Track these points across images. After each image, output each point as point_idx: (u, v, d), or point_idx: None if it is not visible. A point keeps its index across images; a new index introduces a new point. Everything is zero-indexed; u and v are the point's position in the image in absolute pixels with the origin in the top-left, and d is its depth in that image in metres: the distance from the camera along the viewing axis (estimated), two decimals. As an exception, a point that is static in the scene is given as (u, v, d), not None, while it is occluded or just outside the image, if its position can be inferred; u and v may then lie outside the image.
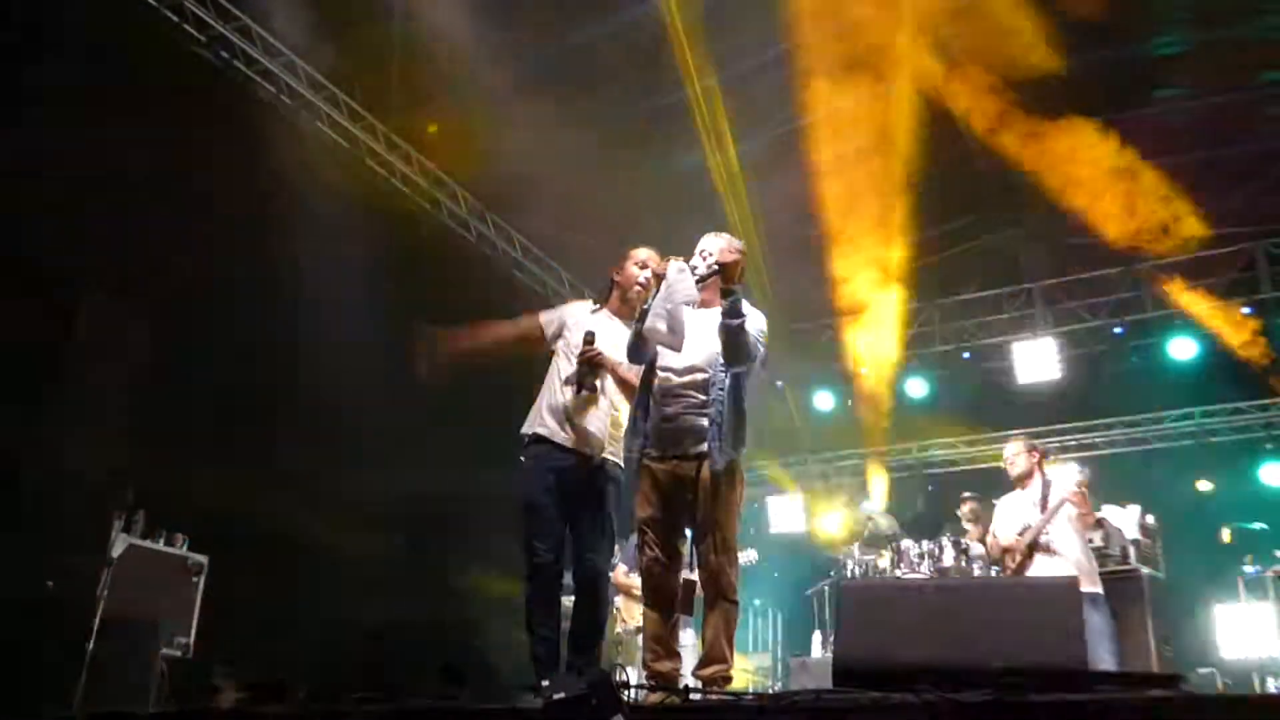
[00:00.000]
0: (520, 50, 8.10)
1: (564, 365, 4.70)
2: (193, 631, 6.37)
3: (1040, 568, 6.30)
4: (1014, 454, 6.73)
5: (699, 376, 4.38)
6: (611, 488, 4.61)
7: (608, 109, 8.73)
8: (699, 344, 4.37)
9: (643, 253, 4.84)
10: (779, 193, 9.35)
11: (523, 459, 4.63)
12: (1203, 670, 9.52)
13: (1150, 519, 6.89)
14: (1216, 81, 8.62)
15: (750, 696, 3.01)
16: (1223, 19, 7.96)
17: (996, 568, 7.06)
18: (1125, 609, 6.32)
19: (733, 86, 8.27)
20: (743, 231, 8.83)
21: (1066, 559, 6.25)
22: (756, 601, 12.36)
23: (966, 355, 11.42)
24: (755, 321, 4.38)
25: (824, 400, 12.09)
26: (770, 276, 9.29)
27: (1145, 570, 6.75)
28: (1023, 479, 6.63)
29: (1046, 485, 6.49)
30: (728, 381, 4.32)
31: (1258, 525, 10.24)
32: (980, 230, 10.87)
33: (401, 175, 9.38)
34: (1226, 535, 10.45)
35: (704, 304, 4.43)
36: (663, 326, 4.23)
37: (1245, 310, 10.04)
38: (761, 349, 4.41)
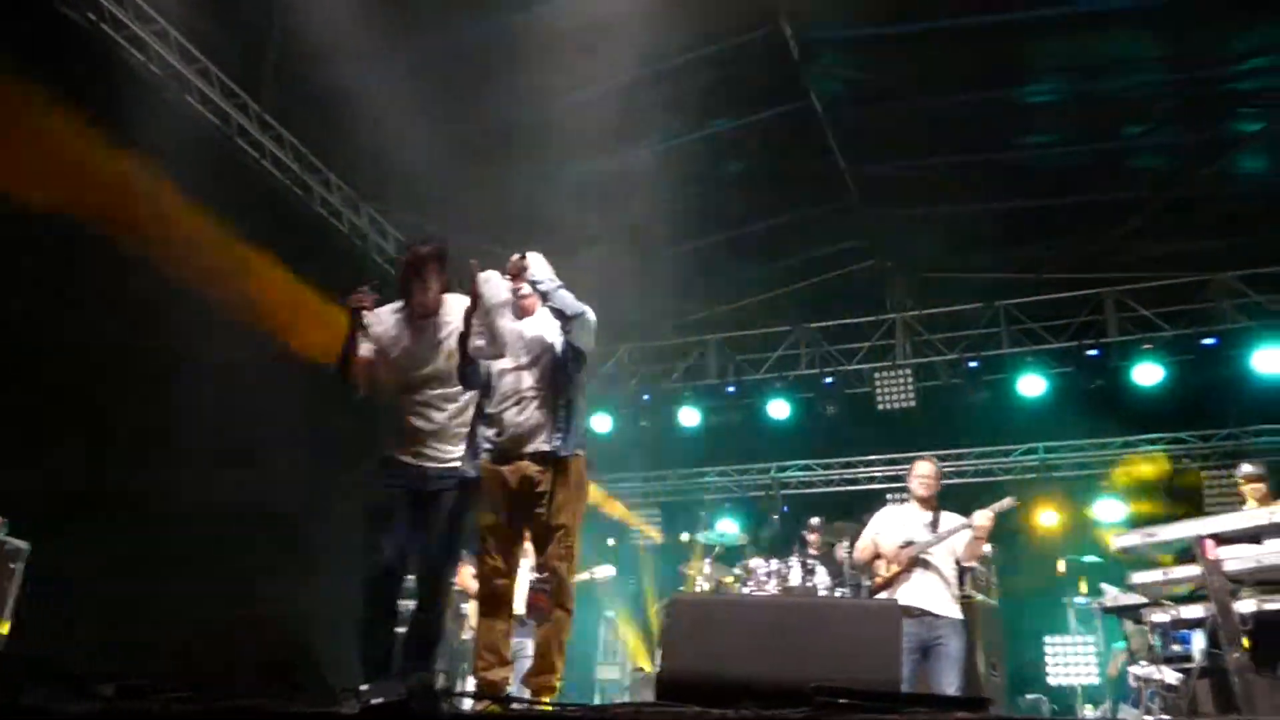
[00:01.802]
0: (406, 42, 7.94)
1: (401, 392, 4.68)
2: (6, 623, 6.03)
3: (915, 583, 6.35)
4: (931, 472, 6.72)
5: (532, 377, 4.41)
6: (459, 494, 4.55)
7: (492, 111, 8.64)
8: (528, 345, 4.41)
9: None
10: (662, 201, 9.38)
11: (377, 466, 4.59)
12: (1030, 696, 9.94)
13: (987, 548, 7.11)
14: (1082, 131, 9.01)
15: (572, 708, 2.98)
16: (1091, 73, 8.31)
17: (859, 578, 7.15)
18: (958, 634, 6.48)
19: (611, 98, 8.25)
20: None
21: (944, 576, 6.38)
22: (609, 614, 12.40)
23: (829, 380, 11.65)
24: (585, 307, 4.46)
25: (689, 416, 12.15)
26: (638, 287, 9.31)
27: (979, 597, 6.96)
28: (927, 500, 6.64)
29: (937, 513, 6.56)
30: (565, 378, 4.35)
31: (1091, 558, 10.73)
32: (850, 260, 11.15)
33: (273, 158, 9.11)
34: (1061, 567, 10.92)
35: (526, 311, 4.49)
36: (483, 343, 4.29)
37: (1092, 353, 10.49)
38: (593, 334, 4.50)
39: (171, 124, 7.92)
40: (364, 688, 3.30)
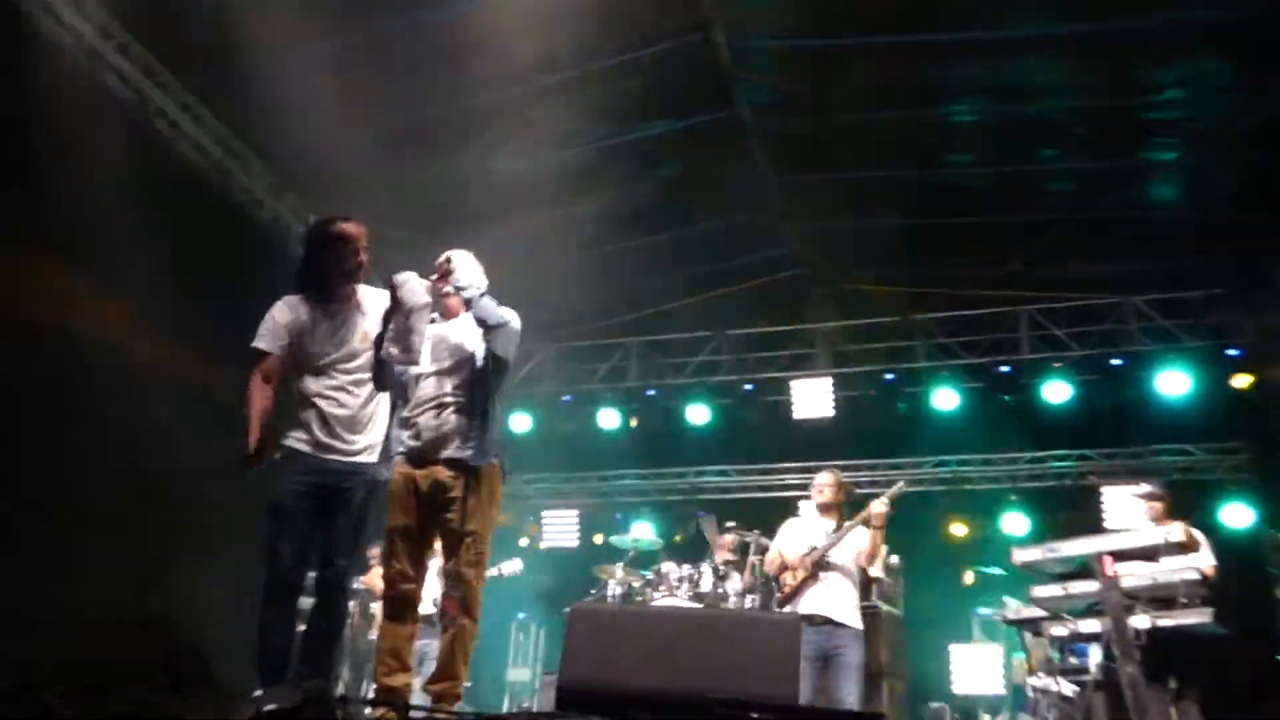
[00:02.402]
0: (336, 32, 7.80)
1: (317, 380, 4.54)
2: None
3: (819, 591, 6.38)
4: (830, 482, 6.77)
5: (451, 383, 4.37)
6: (365, 493, 4.45)
7: (420, 105, 8.54)
8: (450, 350, 4.37)
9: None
10: (588, 203, 9.36)
11: (278, 462, 4.42)
12: (934, 704, 10.12)
13: (895, 559, 7.23)
14: (1001, 152, 9.21)
15: (470, 715, 2.95)
16: (1011, 96, 8.49)
17: (771, 586, 7.21)
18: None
19: (541, 97, 8.22)
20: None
21: (847, 583, 6.42)
22: (521, 615, 12.34)
23: (749, 387, 11.74)
24: (507, 312, 4.41)
25: (609, 418, 12.13)
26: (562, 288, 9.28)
27: (884, 608, 7.06)
28: (828, 509, 6.69)
29: (841, 521, 6.58)
30: (483, 387, 4.31)
31: (997, 570, 10.97)
32: (773, 269, 11.25)
33: (193, 140, 8.88)
34: (969, 578, 11.15)
35: (450, 313, 4.45)
36: (396, 350, 4.22)
37: (1004, 369, 10.73)
38: (516, 342, 4.45)
39: (85, 99, 7.68)
40: (258, 693, 3.23)
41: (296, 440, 4.44)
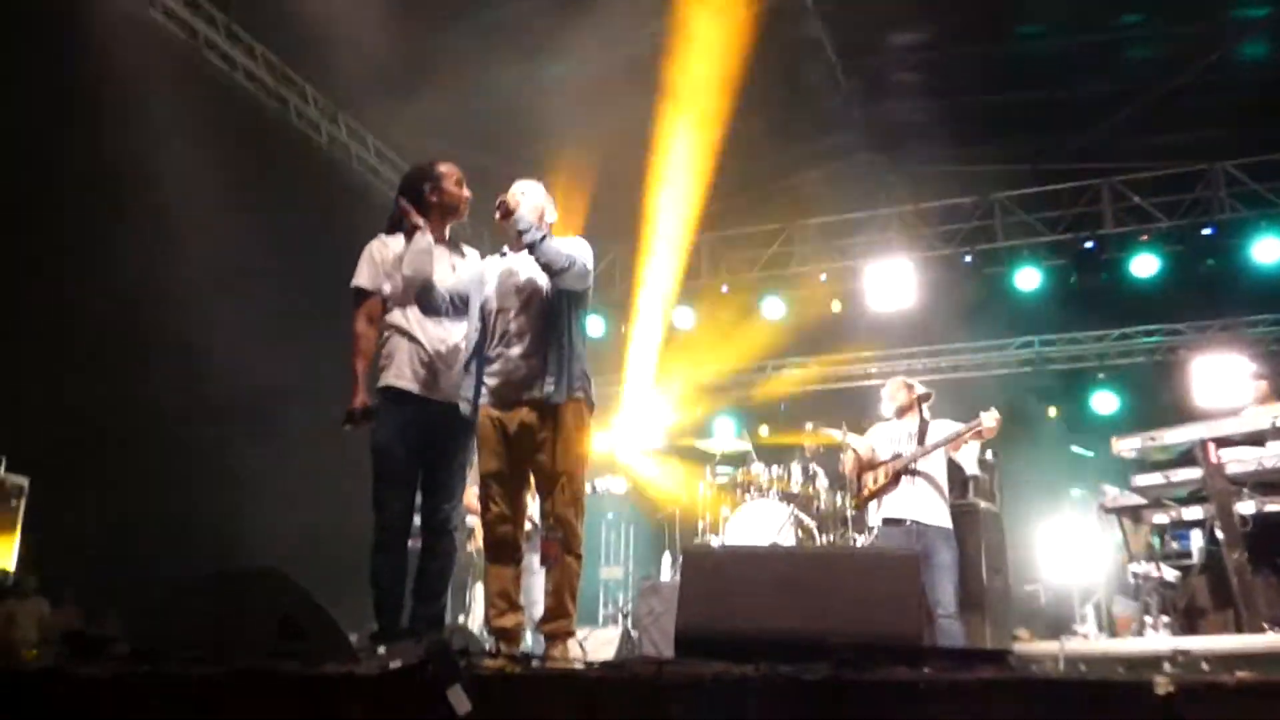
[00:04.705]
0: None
1: (415, 313, 4.48)
2: (13, 561, 6.03)
3: (904, 493, 6.41)
4: (894, 389, 6.77)
5: (526, 319, 4.28)
6: (466, 434, 4.42)
7: (470, 12, 8.32)
8: (520, 286, 4.29)
9: (454, 169, 4.66)
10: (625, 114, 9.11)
11: (379, 406, 4.41)
12: (1029, 587, 10.12)
13: (990, 455, 7.13)
14: (1077, 21, 8.75)
15: (595, 666, 2.97)
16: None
17: (846, 491, 7.21)
18: (961, 542, 6.54)
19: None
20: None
21: (931, 489, 6.40)
22: (610, 515, 12.51)
23: (823, 277, 11.52)
24: (575, 248, 4.32)
25: (683, 318, 12.02)
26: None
27: (982, 504, 7.00)
28: (902, 411, 6.68)
29: (924, 423, 6.57)
30: (558, 321, 4.24)
31: (1087, 452, 10.81)
32: (844, 155, 10.91)
33: (245, 71, 8.79)
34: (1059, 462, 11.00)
35: (516, 247, 4.35)
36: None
37: (1088, 245, 10.36)
38: (588, 277, 4.37)
39: (137, 40, 7.61)
40: (381, 649, 3.28)
41: (397, 378, 4.41)
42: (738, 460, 8.83)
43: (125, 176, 7.03)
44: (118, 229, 7.13)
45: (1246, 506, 5.64)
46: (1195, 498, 6.03)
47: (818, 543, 7.43)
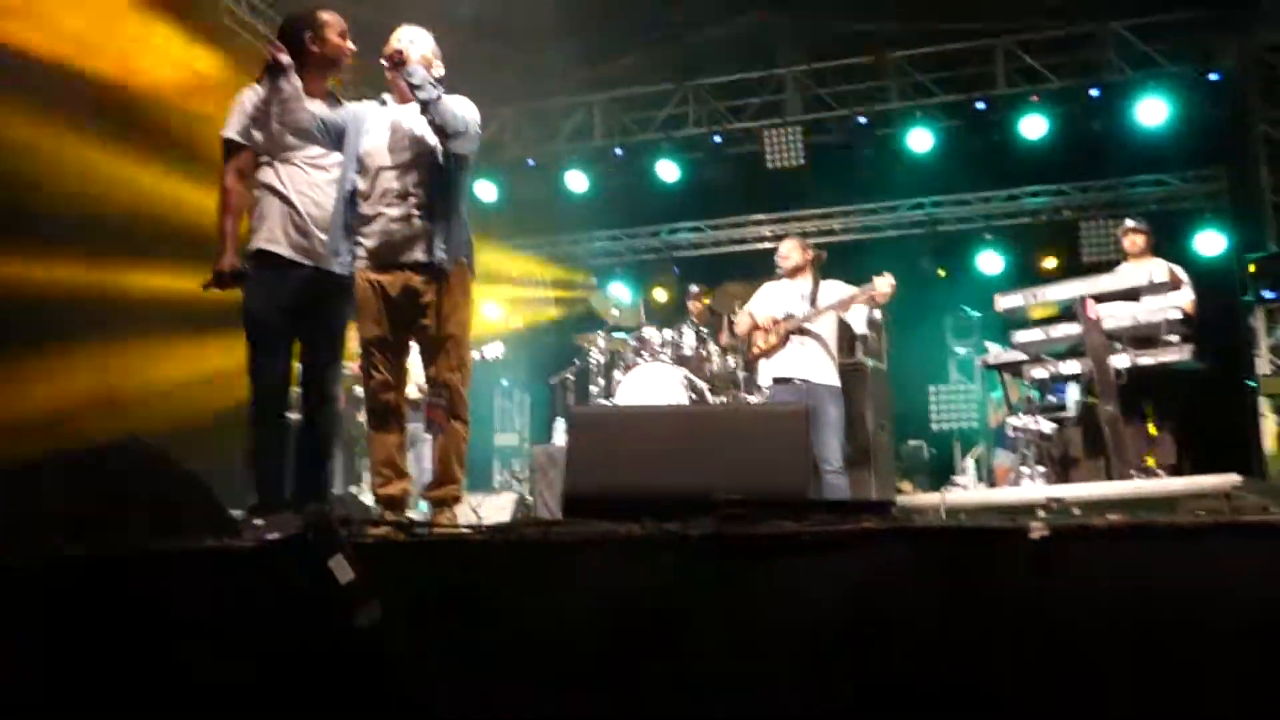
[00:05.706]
0: None
1: (288, 171, 4.22)
2: None
3: (793, 353, 6.53)
4: (788, 250, 6.85)
5: (413, 179, 4.09)
6: (343, 299, 4.25)
7: None
8: (409, 142, 4.08)
9: (338, 19, 4.37)
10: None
11: (249, 270, 4.18)
12: (913, 442, 10.46)
13: (879, 314, 7.21)
14: None
15: (481, 529, 2.93)
16: None
17: (740, 349, 7.27)
18: (849, 399, 6.68)
19: None
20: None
21: (820, 348, 6.50)
22: (504, 382, 12.47)
23: (717, 139, 11.35)
24: (467, 109, 4.12)
25: (576, 180, 11.76)
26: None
27: (870, 363, 7.12)
28: (795, 271, 6.76)
29: (816, 283, 6.65)
30: (446, 184, 4.07)
31: (974, 312, 11.08)
32: (737, 13, 10.61)
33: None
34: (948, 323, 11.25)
35: (405, 97, 4.13)
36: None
37: (980, 105, 10.37)
38: (477, 141, 4.18)
39: None
40: (257, 521, 3.19)
41: (270, 243, 4.19)
42: (631, 324, 8.81)
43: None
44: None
45: (1121, 360, 5.81)
46: (1073, 352, 6.19)
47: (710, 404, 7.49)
